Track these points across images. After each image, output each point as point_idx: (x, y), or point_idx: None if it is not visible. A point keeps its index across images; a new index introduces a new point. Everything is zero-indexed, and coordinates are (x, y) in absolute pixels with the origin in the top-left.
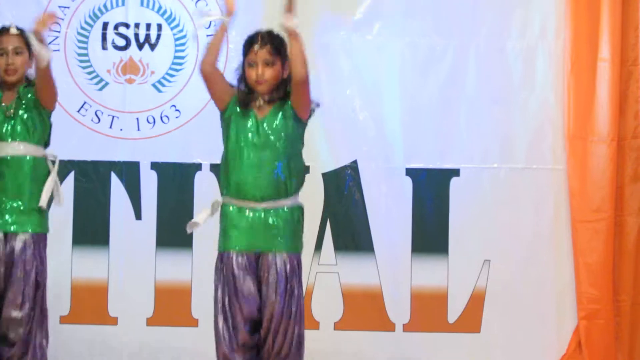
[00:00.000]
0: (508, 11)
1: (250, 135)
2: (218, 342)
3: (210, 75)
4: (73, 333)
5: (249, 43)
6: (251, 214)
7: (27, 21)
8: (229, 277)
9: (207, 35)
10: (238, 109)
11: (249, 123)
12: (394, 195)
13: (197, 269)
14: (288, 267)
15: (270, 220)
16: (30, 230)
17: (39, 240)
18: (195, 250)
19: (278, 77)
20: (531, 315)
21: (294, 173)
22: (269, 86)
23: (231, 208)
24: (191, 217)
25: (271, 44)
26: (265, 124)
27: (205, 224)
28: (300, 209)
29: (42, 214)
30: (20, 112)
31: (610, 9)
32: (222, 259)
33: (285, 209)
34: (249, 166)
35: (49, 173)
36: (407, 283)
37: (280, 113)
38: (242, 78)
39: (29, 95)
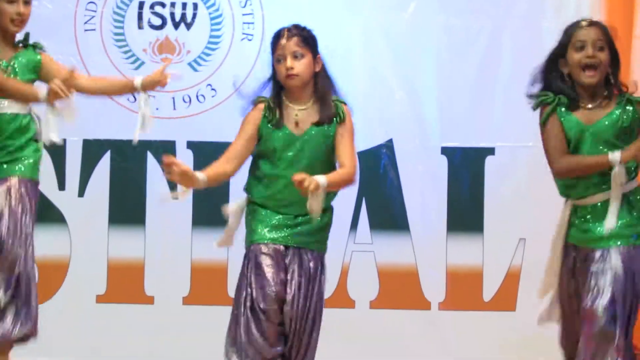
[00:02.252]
0: None
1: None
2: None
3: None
4: (109, 312)
5: (276, 38)
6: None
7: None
8: (255, 264)
9: (243, 15)
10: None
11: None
12: (429, 174)
13: (233, 248)
14: (312, 264)
15: (301, 228)
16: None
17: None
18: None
19: (310, 71)
20: None
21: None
22: (301, 81)
23: (263, 212)
24: (227, 197)
25: (299, 35)
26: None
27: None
28: (331, 211)
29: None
30: (13, 75)
31: None
32: (249, 252)
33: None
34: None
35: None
36: (443, 262)
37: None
38: (273, 77)
39: (26, 60)
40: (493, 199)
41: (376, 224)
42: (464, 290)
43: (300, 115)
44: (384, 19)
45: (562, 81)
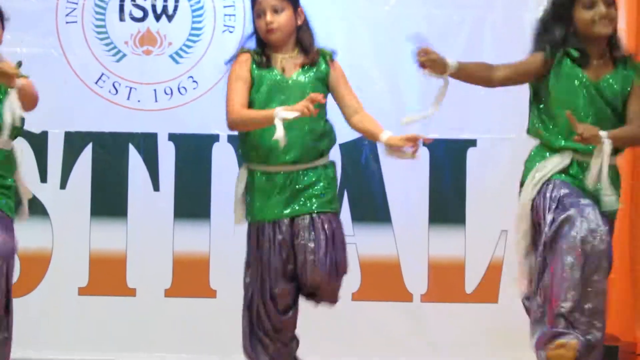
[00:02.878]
0: None
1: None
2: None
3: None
4: (91, 304)
5: None
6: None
7: None
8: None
9: (224, 7)
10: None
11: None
12: (411, 165)
13: (215, 240)
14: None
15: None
16: None
17: None
18: (213, 221)
19: (291, 25)
20: None
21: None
22: (281, 35)
23: (258, 174)
24: (209, 188)
25: None
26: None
27: (227, 189)
28: (333, 165)
29: None
30: None
31: None
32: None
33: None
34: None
35: None
36: (425, 253)
37: (311, 74)
38: (255, 33)
39: None
40: (475, 191)
41: (358, 216)
42: (446, 282)
43: (285, 62)
44: (366, 11)
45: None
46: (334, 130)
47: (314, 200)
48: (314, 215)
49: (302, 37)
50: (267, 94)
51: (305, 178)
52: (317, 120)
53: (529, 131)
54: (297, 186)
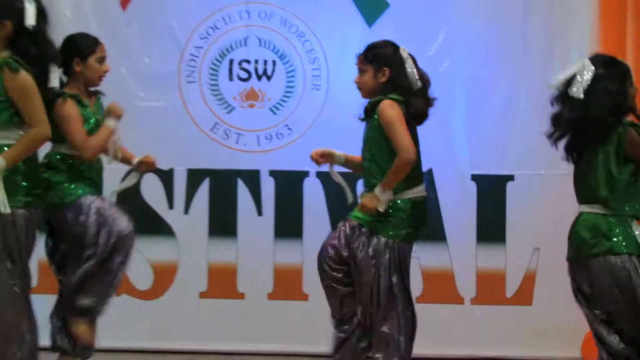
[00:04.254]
0: (552, 50)
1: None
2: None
3: None
4: (209, 305)
5: None
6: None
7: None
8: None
9: (313, 69)
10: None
11: None
12: (462, 195)
13: (306, 253)
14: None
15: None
16: None
17: None
18: (305, 239)
19: (372, 83)
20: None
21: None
22: (364, 92)
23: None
24: (301, 213)
25: (362, 54)
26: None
27: (315, 213)
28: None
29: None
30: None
31: (633, 50)
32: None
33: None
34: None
35: None
36: (473, 265)
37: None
38: None
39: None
40: (513, 216)
41: (420, 236)
42: (490, 288)
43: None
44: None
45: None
46: None
47: None
48: None
49: (385, 93)
50: None
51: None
52: None
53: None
54: None
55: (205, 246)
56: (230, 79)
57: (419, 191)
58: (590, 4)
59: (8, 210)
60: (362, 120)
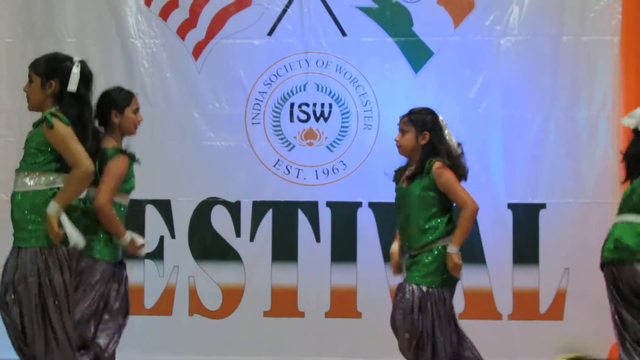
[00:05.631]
0: (578, 92)
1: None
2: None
3: None
4: (273, 323)
5: None
6: None
7: (239, 104)
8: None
9: (365, 111)
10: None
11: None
12: (499, 222)
13: (361, 276)
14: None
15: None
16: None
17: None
18: (359, 262)
19: (412, 144)
20: (599, 306)
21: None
22: (404, 150)
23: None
24: (355, 239)
25: (407, 116)
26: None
27: (368, 240)
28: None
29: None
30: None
31: None
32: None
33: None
34: None
35: None
36: (510, 284)
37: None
38: None
39: None
40: (545, 240)
41: (463, 259)
42: (525, 305)
43: (408, 173)
44: (465, 113)
45: None
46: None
47: None
48: None
49: (423, 153)
50: None
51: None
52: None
53: None
54: None
55: (268, 270)
56: (291, 120)
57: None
58: (612, 51)
59: (82, 244)
60: (397, 180)
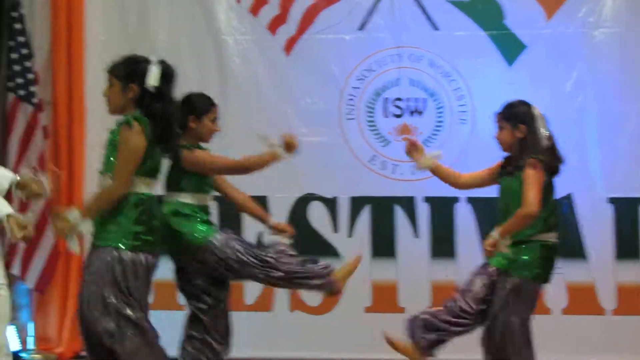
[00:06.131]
0: None
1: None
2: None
3: None
4: (374, 319)
5: None
6: None
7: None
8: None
9: (459, 105)
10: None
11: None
12: (599, 217)
13: (459, 271)
14: None
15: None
16: None
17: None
18: (459, 258)
19: (509, 139)
20: None
21: None
22: (502, 147)
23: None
24: (453, 235)
25: (499, 113)
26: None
27: (467, 235)
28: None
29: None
30: None
31: None
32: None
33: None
34: None
35: None
36: (613, 280)
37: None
38: None
39: None
40: None
41: (565, 254)
42: (629, 300)
43: (510, 167)
44: (560, 108)
45: None
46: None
47: None
48: None
49: (522, 148)
50: None
51: None
52: None
53: None
54: None
55: (368, 266)
56: (385, 115)
57: (550, 237)
58: None
59: (90, 230)
60: (505, 174)
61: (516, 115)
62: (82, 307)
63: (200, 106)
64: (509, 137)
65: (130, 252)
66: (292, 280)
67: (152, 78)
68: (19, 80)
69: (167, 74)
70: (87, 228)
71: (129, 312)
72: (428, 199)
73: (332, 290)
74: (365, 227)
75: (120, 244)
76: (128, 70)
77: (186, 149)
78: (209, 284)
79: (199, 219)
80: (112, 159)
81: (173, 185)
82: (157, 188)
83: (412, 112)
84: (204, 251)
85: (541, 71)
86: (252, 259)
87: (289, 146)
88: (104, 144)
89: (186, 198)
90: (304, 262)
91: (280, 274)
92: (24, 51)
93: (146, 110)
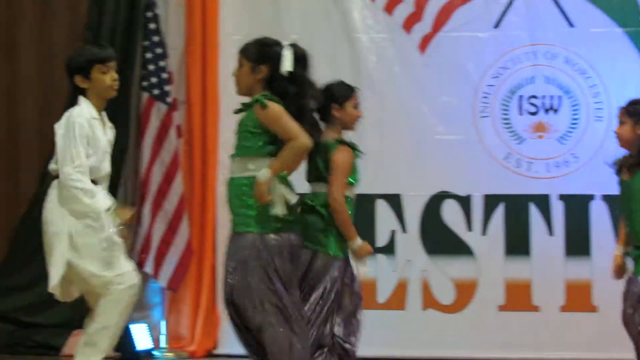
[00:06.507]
0: None
1: None
2: None
3: None
4: (507, 317)
5: None
6: None
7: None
8: None
9: (595, 102)
10: None
11: None
12: None
13: (595, 269)
14: None
15: None
16: None
17: None
18: (593, 257)
19: (629, 135)
20: None
21: None
22: (623, 142)
23: None
24: (589, 232)
25: (623, 108)
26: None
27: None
28: None
29: None
30: None
31: None
32: None
33: None
34: None
35: None
36: None
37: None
38: None
39: None
40: None
41: None
42: None
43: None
44: None
45: None
46: None
47: None
48: None
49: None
50: None
51: None
52: None
53: None
54: None
55: (501, 264)
56: (520, 113)
57: None
58: None
59: (294, 199)
60: (619, 173)
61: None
62: (229, 296)
63: (340, 93)
64: (629, 133)
65: (274, 235)
66: None
67: (287, 63)
68: (153, 80)
69: (301, 57)
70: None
71: (274, 300)
72: (563, 197)
73: None
74: (499, 225)
75: (263, 228)
76: (259, 52)
77: (334, 144)
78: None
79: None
80: (244, 143)
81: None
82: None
83: (547, 110)
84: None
85: None
86: None
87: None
88: (235, 129)
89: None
90: None
91: None
92: (158, 51)
93: (278, 91)
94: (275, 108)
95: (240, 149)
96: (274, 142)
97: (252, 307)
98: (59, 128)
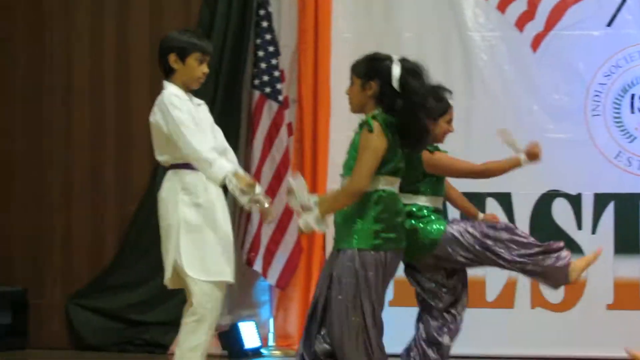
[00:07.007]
0: None
1: None
2: None
3: None
4: (617, 317)
5: None
6: None
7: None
8: None
9: None
10: None
11: None
12: None
13: None
14: None
15: None
16: None
17: None
18: None
19: None
20: None
21: None
22: None
23: None
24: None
25: None
26: None
27: None
28: None
29: None
30: None
31: None
32: None
33: None
34: None
35: None
36: None
37: None
38: None
39: None
40: None
41: None
42: None
43: None
44: None
45: None
46: None
47: None
48: None
49: None
50: None
51: None
52: None
53: None
54: None
55: (611, 263)
56: (632, 111)
57: None
58: None
59: (326, 229)
60: None
61: None
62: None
63: (436, 109)
64: None
65: (372, 252)
66: (532, 260)
67: (395, 80)
68: (265, 78)
69: (411, 71)
70: (324, 227)
71: (362, 320)
72: None
73: (566, 279)
74: (609, 224)
75: (362, 245)
76: (367, 68)
77: (427, 150)
78: (446, 277)
79: (432, 217)
80: (353, 162)
81: (410, 186)
82: (397, 185)
83: None
84: (443, 244)
85: None
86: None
87: (533, 155)
88: (348, 147)
89: (423, 201)
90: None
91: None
92: (271, 49)
93: (387, 106)
94: (371, 140)
95: (348, 169)
96: (382, 163)
97: (340, 325)
98: (153, 115)
